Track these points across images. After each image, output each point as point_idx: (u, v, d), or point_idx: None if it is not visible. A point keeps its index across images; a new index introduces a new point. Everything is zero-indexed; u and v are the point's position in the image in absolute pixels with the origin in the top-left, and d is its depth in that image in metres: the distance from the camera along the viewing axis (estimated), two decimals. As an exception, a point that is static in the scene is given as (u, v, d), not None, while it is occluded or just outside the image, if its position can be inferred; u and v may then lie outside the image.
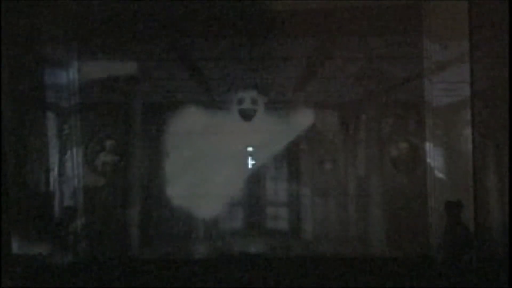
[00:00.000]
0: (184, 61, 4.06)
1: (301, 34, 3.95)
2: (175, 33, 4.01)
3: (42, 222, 3.90)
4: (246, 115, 4.04)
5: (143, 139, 4.07)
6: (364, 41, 3.95)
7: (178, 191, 4.07)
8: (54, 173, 3.96)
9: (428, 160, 3.88)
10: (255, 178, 4.06)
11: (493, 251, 3.75)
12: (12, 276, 3.55)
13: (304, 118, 4.04)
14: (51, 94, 3.98)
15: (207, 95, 4.06)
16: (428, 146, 3.89)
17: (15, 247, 3.69)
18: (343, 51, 3.97)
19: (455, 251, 3.78)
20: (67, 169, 3.99)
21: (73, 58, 4.01)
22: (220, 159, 4.03)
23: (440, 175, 3.84)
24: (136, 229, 4.06)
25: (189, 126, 4.07)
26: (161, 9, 3.96)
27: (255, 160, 4.06)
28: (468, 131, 3.80)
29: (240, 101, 4.04)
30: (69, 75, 4.00)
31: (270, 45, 3.98)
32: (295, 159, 4.07)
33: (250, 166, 4.05)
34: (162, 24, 3.98)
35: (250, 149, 4.06)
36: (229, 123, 4.06)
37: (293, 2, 3.91)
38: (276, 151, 4.06)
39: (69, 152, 4.00)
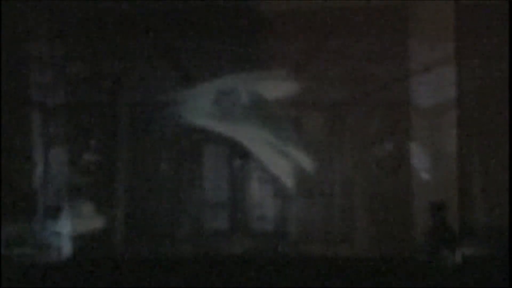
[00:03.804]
0: (171, 60, 4.05)
1: (288, 35, 3.94)
2: (162, 32, 4.00)
3: (26, 220, 3.89)
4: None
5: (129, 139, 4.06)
6: (350, 42, 3.95)
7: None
8: (38, 171, 3.95)
9: (413, 161, 3.87)
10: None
11: (477, 252, 3.75)
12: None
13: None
14: (36, 92, 3.97)
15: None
16: (413, 147, 3.88)
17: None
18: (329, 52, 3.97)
19: (439, 251, 3.78)
20: (51, 167, 3.98)
21: (59, 57, 4.00)
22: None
23: (424, 176, 3.83)
24: (120, 228, 4.05)
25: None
26: (148, 8, 3.95)
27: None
28: (453, 132, 3.80)
29: None
30: (55, 73, 3.99)
31: (257, 45, 3.97)
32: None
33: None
34: (148, 23, 3.97)
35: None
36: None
37: (279, 2, 3.90)
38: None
39: (53, 151, 3.99)
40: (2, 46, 3.79)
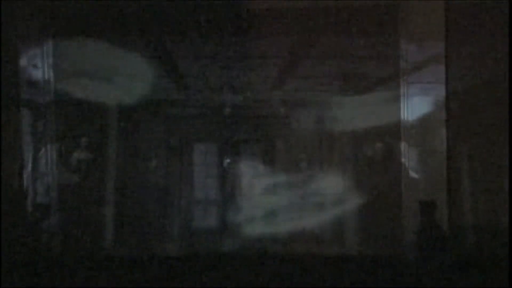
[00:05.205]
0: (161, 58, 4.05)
1: (276, 33, 3.94)
2: (151, 30, 3.99)
3: (15, 220, 3.88)
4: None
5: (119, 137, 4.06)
6: (339, 41, 3.95)
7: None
8: (27, 170, 3.94)
9: (403, 160, 3.88)
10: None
11: (466, 252, 3.76)
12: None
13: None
14: (25, 90, 3.96)
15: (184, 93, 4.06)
16: (403, 146, 3.89)
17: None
18: (318, 51, 3.97)
19: (428, 251, 3.78)
20: (40, 166, 3.97)
21: (48, 54, 3.98)
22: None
23: (414, 175, 3.84)
24: (110, 227, 4.04)
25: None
26: (138, 6, 3.95)
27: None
28: (443, 132, 3.80)
29: None
30: (44, 71, 3.98)
31: (246, 44, 3.97)
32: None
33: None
34: (138, 21, 3.96)
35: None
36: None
37: (268, 0, 3.90)
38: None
39: (43, 149, 3.98)
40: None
